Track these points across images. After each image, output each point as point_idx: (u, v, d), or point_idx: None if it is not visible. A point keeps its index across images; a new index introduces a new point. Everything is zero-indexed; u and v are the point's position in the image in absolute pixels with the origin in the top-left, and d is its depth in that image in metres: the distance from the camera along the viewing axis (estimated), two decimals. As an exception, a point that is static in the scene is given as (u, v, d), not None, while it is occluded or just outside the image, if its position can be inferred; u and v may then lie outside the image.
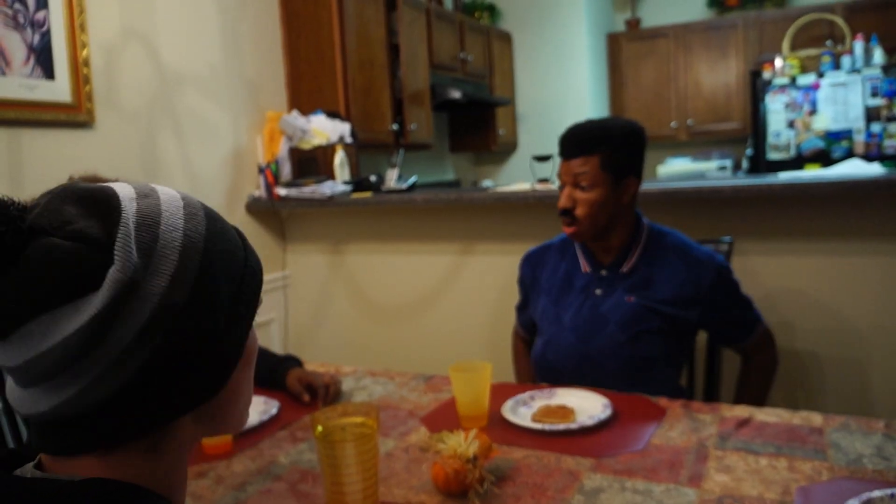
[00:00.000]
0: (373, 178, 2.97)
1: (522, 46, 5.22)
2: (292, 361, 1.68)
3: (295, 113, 3.06)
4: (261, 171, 2.94)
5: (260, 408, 1.55)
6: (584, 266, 1.70)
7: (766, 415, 1.33)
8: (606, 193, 1.60)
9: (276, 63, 3.21)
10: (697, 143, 5.46)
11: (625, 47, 5.48)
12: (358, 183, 2.94)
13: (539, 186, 2.51)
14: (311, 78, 3.24)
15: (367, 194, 2.82)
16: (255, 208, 2.99)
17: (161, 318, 0.52)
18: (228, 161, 2.91)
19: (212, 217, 0.60)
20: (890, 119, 4.26)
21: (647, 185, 2.14)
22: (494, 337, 2.70)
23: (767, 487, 1.05)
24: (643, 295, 1.62)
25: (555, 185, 2.83)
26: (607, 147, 1.60)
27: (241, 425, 0.66)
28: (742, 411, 1.35)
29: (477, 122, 4.92)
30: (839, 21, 4.64)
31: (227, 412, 0.62)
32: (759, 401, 1.63)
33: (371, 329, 2.96)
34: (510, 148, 5.22)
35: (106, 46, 2.43)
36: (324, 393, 1.55)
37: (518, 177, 4.85)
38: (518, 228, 2.58)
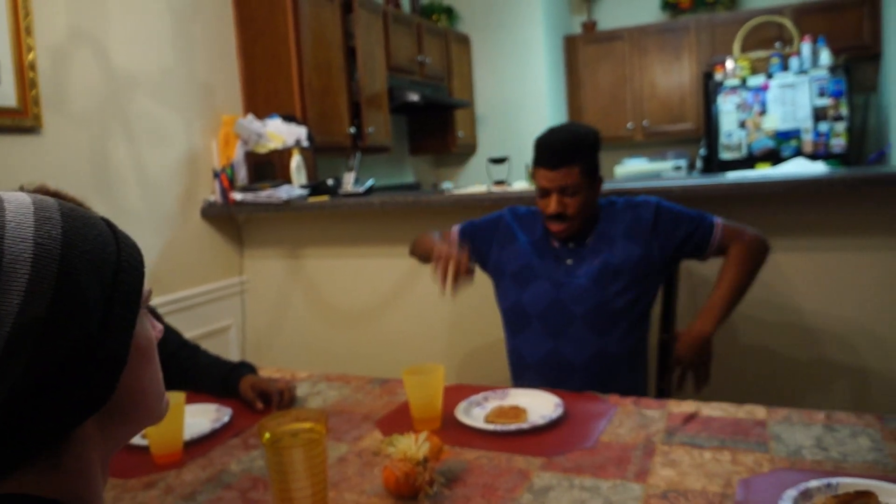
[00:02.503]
0: (330, 181, 2.95)
1: (481, 49, 5.25)
2: (245, 368, 1.67)
3: (250, 116, 3.03)
4: (216, 175, 2.91)
5: (212, 416, 1.54)
6: (554, 243, 1.84)
7: (713, 409, 1.37)
8: (589, 195, 1.77)
9: (231, 66, 3.17)
10: (653, 143, 5.55)
11: (581, 49, 5.55)
12: (315, 187, 2.92)
13: (495, 188, 2.53)
14: (267, 81, 3.22)
15: (325, 198, 2.81)
16: (210, 213, 2.95)
17: (22, 336, 0.50)
18: (182, 166, 2.87)
19: (72, 217, 0.56)
20: (836, 119, 4.39)
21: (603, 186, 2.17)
22: (453, 339, 2.71)
23: (710, 480, 1.07)
24: (608, 254, 1.77)
25: (511, 187, 2.86)
26: (584, 156, 1.76)
27: (156, 421, 0.64)
28: (689, 406, 1.38)
29: (436, 125, 4.93)
30: (787, 23, 4.76)
31: (133, 414, 0.60)
32: (735, 290, 1.68)
33: (329, 333, 2.95)
34: (470, 150, 5.25)
35: (53, 49, 2.38)
36: (278, 399, 1.55)
37: (478, 178, 4.88)
38: (475, 230, 2.59)
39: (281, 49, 3.19)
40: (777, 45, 4.81)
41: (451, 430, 1.34)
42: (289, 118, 3.08)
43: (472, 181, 4.95)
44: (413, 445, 1.11)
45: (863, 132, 4.85)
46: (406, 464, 1.09)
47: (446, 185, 4.98)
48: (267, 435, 1.04)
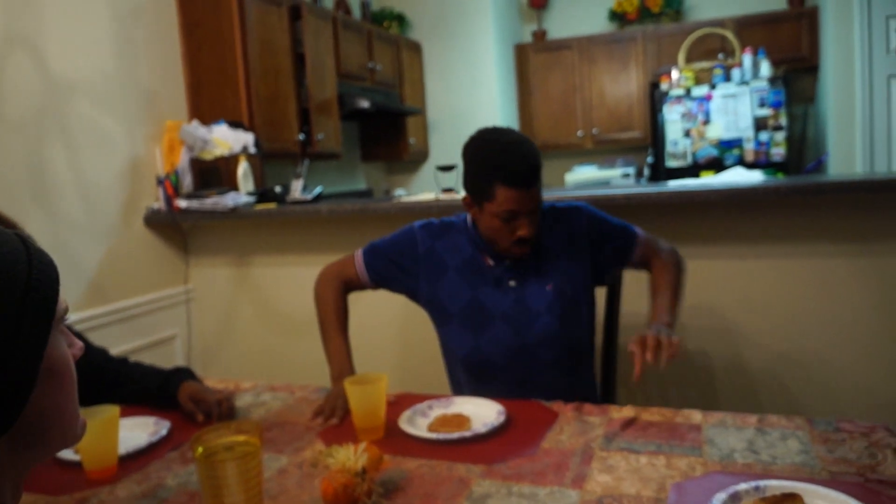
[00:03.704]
0: (278, 188, 2.92)
1: (432, 56, 5.27)
2: (183, 374, 1.63)
3: (195, 122, 2.98)
4: (160, 182, 2.85)
5: (150, 429, 1.50)
6: (488, 260, 1.68)
7: (651, 414, 1.39)
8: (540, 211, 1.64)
9: (176, 72, 3.12)
10: (602, 151, 5.64)
11: (532, 58, 5.61)
12: (262, 194, 2.89)
13: (444, 196, 2.54)
14: (213, 87, 3.17)
15: (272, 205, 2.78)
16: (154, 221, 2.89)
17: None
18: (125, 173, 2.81)
19: None
20: (776, 128, 4.54)
21: (548, 193, 2.20)
22: (403, 346, 2.71)
23: (645, 485, 1.09)
24: (556, 275, 1.67)
25: (459, 194, 2.87)
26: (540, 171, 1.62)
27: (71, 443, 0.63)
28: (629, 412, 1.41)
29: (388, 132, 4.93)
30: (730, 35, 4.90)
31: (45, 436, 0.59)
32: (676, 296, 1.66)
33: (278, 342, 2.92)
34: (422, 157, 5.26)
35: (-14, 53, 2.30)
36: (217, 411, 1.52)
37: (431, 185, 4.89)
38: (424, 238, 2.59)
39: (227, 55, 3.15)
40: (720, 56, 4.95)
41: (395, 439, 1.34)
42: (235, 124, 3.04)
43: (425, 188, 4.97)
44: (352, 456, 1.11)
45: (802, 141, 5.02)
46: (344, 475, 1.08)
47: (399, 192, 4.98)
48: (200, 449, 1.02)
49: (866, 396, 2.13)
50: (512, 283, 1.67)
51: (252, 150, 3.01)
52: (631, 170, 5.28)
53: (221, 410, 1.52)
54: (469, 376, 1.71)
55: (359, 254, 1.79)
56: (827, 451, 1.17)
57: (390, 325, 2.71)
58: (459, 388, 1.77)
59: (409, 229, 1.78)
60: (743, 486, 1.03)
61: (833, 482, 1.05)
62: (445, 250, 1.72)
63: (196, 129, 2.92)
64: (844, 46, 4.32)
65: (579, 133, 5.48)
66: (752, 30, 4.94)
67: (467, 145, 1.64)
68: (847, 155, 4.33)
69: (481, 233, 1.66)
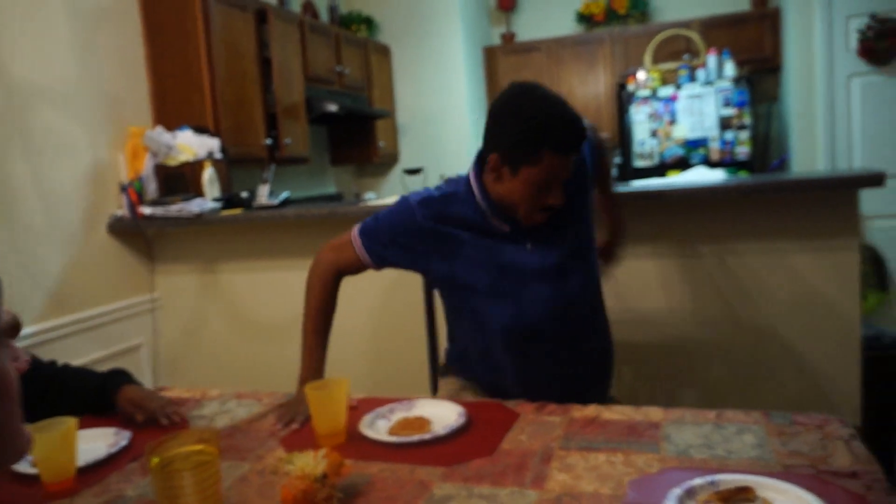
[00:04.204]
0: (244, 194, 2.91)
1: (401, 59, 5.27)
2: (121, 377, 1.61)
3: (159, 128, 2.95)
4: (123, 189, 2.81)
5: (110, 440, 1.48)
6: (503, 226, 1.57)
7: (612, 413, 1.40)
8: None
9: (139, 76, 3.08)
10: (572, 152, 5.67)
11: (501, 60, 5.64)
12: (228, 200, 2.87)
13: (410, 199, 2.54)
14: (177, 92, 3.14)
15: (238, 211, 2.76)
16: (117, 228, 2.85)
17: None
18: (87, 179, 2.77)
19: None
20: (740, 128, 4.61)
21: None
22: (374, 350, 2.70)
23: (603, 483, 1.10)
24: (570, 227, 1.61)
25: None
26: None
27: (16, 459, 0.62)
28: (590, 411, 1.42)
29: (357, 135, 4.92)
30: (695, 37, 4.97)
31: None
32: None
33: (247, 350, 2.89)
34: (391, 160, 5.25)
35: (-61, 60, 2.26)
36: (163, 414, 1.50)
37: (400, 188, 4.89)
38: (391, 241, 2.59)
39: (192, 60, 3.13)
40: (685, 57, 5.02)
41: (356, 444, 1.33)
42: (200, 130, 3.01)
43: (396, 191, 4.96)
44: (311, 462, 1.10)
45: (766, 140, 5.11)
46: (304, 481, 1.07)
47: (369, 195, 4.98)
48: (155, 459, 1.01)
49: (834, 389, 2.17)
50: (529, 245, 1.58)
51: (218, 155, 2.98)
52: (600, 170, 5.32)
53: (169, 415, 1.50)
54: (510, 348, 1.59)
55: (356, 236, 1.66)
56: (781, 445, 1.19)
57: (362, 330, 2.70)
58: (492, 369, 1.66)
59: (406, 206, 1.63)
60: (698, 481, 1.04)
61: (786, 474, 1.07)
62: (454, 226, 1.58)
63: (160, 134, 2.89)
64: (806, 46, 4.41)
65: (549, 134, 5.50)
66: (717, 31, 5.02)
67: (505, 103, 1.50)
68: (809, 153, 4.41)
69: (501, 197, 1.54)
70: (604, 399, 1.70)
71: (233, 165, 3.18)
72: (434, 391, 2.08)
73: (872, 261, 4.19)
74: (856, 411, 2.16)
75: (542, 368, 1.61)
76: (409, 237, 1.61)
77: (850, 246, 2.10)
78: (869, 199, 3.17)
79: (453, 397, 1.66)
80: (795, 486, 1.01)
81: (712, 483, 1.04)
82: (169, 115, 3.13)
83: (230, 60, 3.30)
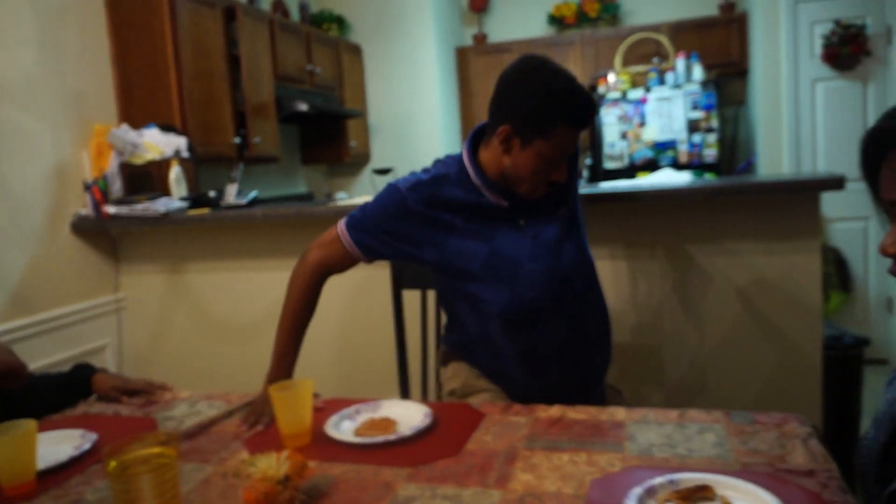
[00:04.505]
0: (212, 193, 2.87)
1: (373, 58, 5.26)
2: (88, 368, 1.59)
3: (125, 126, 2.90)
4: (87, 188, 2.77)
5: (75, 442, 1.45)
6: (501, 201, 1.56)
7: (577, 413, 1.41)
8: None
9: (104, 73, 3.03)
10: (544, 153, 5.70)
11: (473, 61, 5.65)
12: (195, 199, 2.84)
13: (379, 199, 2.53)
14: (143, 89, 3.10)
15: (205, 211, 2.73)
16: (81, 228, 2.80)
17: None
18: (50, 178, 2.72)
19: None
20: (708, 130, 4.67)
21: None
22: (342, 350, 2.69)
23: (565, 482, 1.11)
24: (564, 206, 1.62)
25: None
26: None
27: None
28: (555, 411, 1.43)
29: (328, 135, 4.89)
30: (664, 40, 5.03)
31: None
32: None
33: (215, 350, 2.86)
34: (363, 160, 5.24)
35: None
36: (155, 391, 1.51)
37: (371, 189, 4.88)
38: (361, 241, 2.58)
39: (158, 57, 3.08)
40: (655, 60, 5.07)
41: (321, 445, 1.33)
42: (167, 128, 2.97)
43: (366, 191, 4.95)
44: (274, 464, 1.09)
45: (733, 143, 5.19)
46: (266, 483, 1.07)
47: (340, 195, 4.95)
48: (113, 463, 0.99)
49: (797, 389, 2.21)
50: (522, 221, 1.58)
51: (185, 154, 2.95)
52: (571, 171, 5.36)
53: (163, 385, 1.55)
54: (509, 331, 1.59)
55: (343, 231, 1.62)
56: (741, 443, 1.21)
57: (330, 330, 2.68)
58: (493, 354, 1.64)
59: (395, 193, 1.59)
60: (658, 480, 1.05)
61: (744, 473, 1.09)
62: (446, 209, 1.56)
63: (126, 132, 2.84)
64: (772, 51, 4.48)
65: (520, 135, 5.52)
66: (686, 35, 5.08)
67: (520, 75, 1.51)
68: (775, 156, 4.48)
69: (505, 170, 1.53)
70: (603, 379, 1.73)
71: (200, 164, 3.14)
72: (403, 392, 2.08)
73: (836, 262, 4.27)
74: (817, 411, 2.20)
75: (543, 350, 1.59)
76: (399, 224, 1.58)
77: (812, 248, 2.14)
78: (832, 202, 3.24)
79: (465, 385, 1.67)
80: (753, 484, 1.02)
81: (672, 482, 1.05)
82: (135, 112, 3.08)
83: (198, 58, 3.26)
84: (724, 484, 1.04)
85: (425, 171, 1.63)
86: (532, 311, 1.56)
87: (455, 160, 1.61)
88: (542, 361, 1.60)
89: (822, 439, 1.22)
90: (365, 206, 1.64)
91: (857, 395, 2.63)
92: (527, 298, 1.55)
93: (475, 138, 1.62)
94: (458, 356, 1.75)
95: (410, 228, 1.58)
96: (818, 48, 4.32)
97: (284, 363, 1.63)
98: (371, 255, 1.64)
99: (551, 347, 1.59)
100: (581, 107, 1.47)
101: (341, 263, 1.66)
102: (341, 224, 1.64)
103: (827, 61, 4.26)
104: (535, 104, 1.46)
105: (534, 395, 1.57)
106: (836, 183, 1.96)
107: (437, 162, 1.66)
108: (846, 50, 4.18)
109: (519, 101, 1.49)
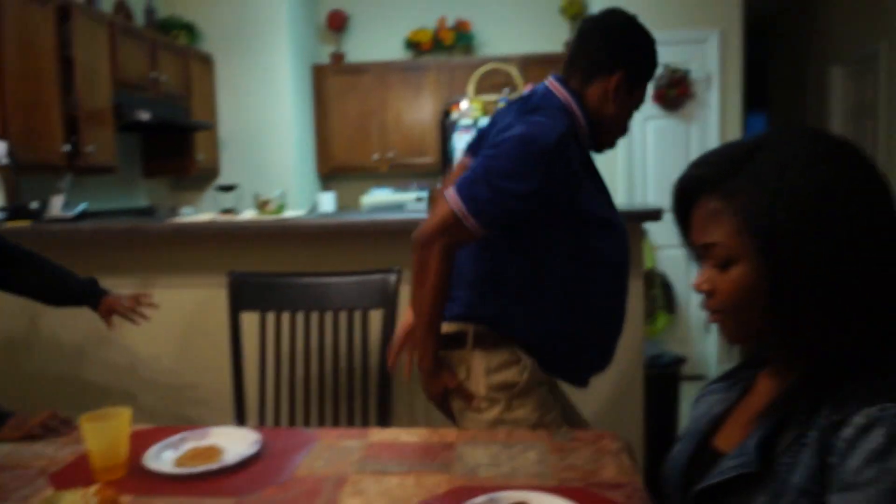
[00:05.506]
0: (34, 204, 2.65)
1: (225, 70, 5.10)
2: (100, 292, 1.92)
3: (-69, 127, 2.62)
4: None
5: None
6: (594, 150, 1.63)
7: (410, 435, 1.43)
8: None
9: None
10: (398, 174, 5.77)
11: (330, 79, 5.63)
12: (15, 210, 2.60)
13: (221, 216, 2.45)
14: (-44, 88, 2.81)
15: (26, 223, 2.51)
16: None
17: None
18: None
19: None
20: (552, 160, 4.92)
21: (346, 217, 2.20)
22: (178, 374, 2.55)
23: (391, 506, 1.12)
24: None
25: (242, 214, 2.78)
26: None
27: None
28: (388, 435, 1.43)
29: (174, 146, 4.67)
30: (514, 71, 5.26)
31: None
32: None
33: (32, 374, 2.62)
34: (211, 174, 5.05)
35: None
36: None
37: (213, 205, 4.69)
38: (202, 260, 2.48)
39: (-25, 53, 2.82)
40: (505, 90, 5.29)
41: (138, 477, 1.25)
42: (-17, 131, 2.72)
43: (212, 207, 4.76)
44: (80, 500, 1.02)
45: (576, 172, 5.49)
46: (69, 522, 0.99)
47: (186, 210, 4.73)
48: None
49: (623, 407, 2.35)
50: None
51: (4, 160, 2.70)
52: (425, 193, 5.45)
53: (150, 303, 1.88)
54: (614, 288, 1.57)
55: (466, 214, 1.40)
56: (559, 460, 1.27)
57: (163, 356, 2.54)
58: (577, 314, 1.53)
59: (549, 144, 1.40)
60: (479, 499, 1.09)
61: (559, 488, 1.15)
62: (575, 160, 1.47)
63: (-69, 134, 2.56)
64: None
65: (375, 156, 5.56)
66: (534, 67, 5.35)
67: (628, 24, 1.55)
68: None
69: (609, 119, 1.55)
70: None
71: (23, 172, 2.89)
72: (239, 418, 2.01)
73: (663, 286, 4.63)
74: (639, 426, 2.36)
75: (619, 313, 1.61)
76: (561, 170, 1.43)
77: (636, 273, 2.31)
78: (660, 231, 3.50)
79: (532, 378, 1.55)
80: (564, 498, 1.08)
81: (492, 500, 1.09)
82: (-55, 112, 2.79)
83: (24, 57, 3.01)
84: (539, 500, 1.09)
85: (544, 115, 1.47)
86: (626, 260, 1.60)
87: (556, 106, 1.51)
88: (617, 324, 1.61)
89: (631, 454, 1.31)
90: (490, 182, 1.42)
91: (675, 409, 2.85)
92: (626, 250, 1.59)
93: (579, 82, 1.57)
94: (501, 333, 1.54)
95: (566, 173, 1.46)
96: (650, 90, 4.69)
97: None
98: (495, 229, 1.48)
99: (624, 309, 1.61)
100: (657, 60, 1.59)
101: (465, 245, 1.52)
102: (460, 207, 1.41)
103: (657, 101, 4.63)
104: (651, 54, 1.56)
105: (570, 367, 1.63)
106: (655, 214, 2.13)
107: (539, 110, 1.50)
108: (673, 92, 4.57)
109: (636, 50, 1.55)
